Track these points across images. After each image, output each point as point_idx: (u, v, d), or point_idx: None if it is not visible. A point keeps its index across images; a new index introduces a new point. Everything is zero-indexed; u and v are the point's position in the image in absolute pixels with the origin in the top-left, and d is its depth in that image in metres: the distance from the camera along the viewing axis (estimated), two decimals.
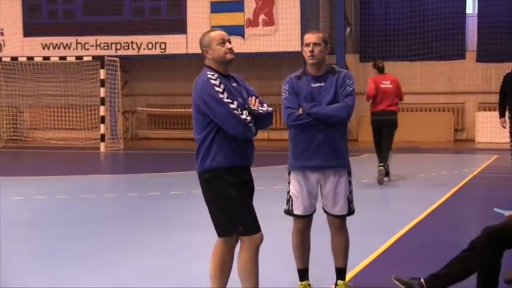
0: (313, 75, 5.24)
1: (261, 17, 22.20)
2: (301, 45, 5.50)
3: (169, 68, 24.62)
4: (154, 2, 23.25)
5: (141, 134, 25.02)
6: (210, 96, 4.53)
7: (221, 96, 4.53)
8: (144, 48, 23.03)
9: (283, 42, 21.84)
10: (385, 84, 12.29)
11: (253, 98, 4.75)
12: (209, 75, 4.59)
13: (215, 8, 22.34)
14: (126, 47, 23.14)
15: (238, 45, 20.40)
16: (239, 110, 4.55)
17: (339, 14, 22.24)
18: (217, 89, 4.55)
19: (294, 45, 21.19)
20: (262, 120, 4.68)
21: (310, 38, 5.21)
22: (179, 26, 22.69)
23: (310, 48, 5.17)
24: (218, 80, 4.58)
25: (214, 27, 4.97)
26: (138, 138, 24.76)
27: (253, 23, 22.22)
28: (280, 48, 21.92)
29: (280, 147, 17.69)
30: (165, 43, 22.87)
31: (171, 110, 24.41)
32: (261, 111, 4.69)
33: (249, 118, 4.57)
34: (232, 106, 4.53)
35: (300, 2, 21.93)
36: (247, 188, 4.70)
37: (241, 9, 22.22)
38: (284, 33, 21.87)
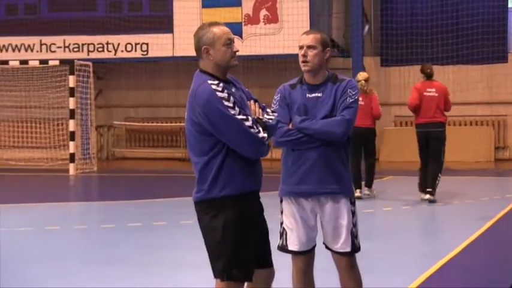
0: (309, 84, 5.25)
1: (262, 12, 22.27)
2: None
3: (152, 74, 24.69)
4: None
5: (119, 153, 25.06)
6: (218, 113, 4.40)
7: (232, 112, 4.42)
8: (122, 51, 23.07)
9: (288, 43, 21.83)
10: (430, 92, 12.78)
11: (253, 102, 4.69)
12: (213, 86, 4.48)
13: (207, 2, 22.38)
14: (100, 49, 23.21)
15: None
16: (255, 127, 4.48)
17: (355, 8, 22.20)
18: (226, 103, 4.43)
19: None
20: (270, 132, 4.63)
21: (304, 39, 5.22)
22: (164, 24, 22.74)
23: (302, 52, 5.19)
24: (225, 91, 4.47)
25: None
26: (115, 158, 24.79)
27: (253, 19, 22.30)
28: (284, 50, 21.92)
29: None
30: (147, 44, 22.91)
31: (155, 124, 24.45)
32: (270, 121, 4.64)
33: (265, 135, 4.52)
34: (247, 124, 4.44)
35: None
36: (260, 222, 4.73)
37: (238, 3, 22.28)
38: (290, 32, 21.87)
